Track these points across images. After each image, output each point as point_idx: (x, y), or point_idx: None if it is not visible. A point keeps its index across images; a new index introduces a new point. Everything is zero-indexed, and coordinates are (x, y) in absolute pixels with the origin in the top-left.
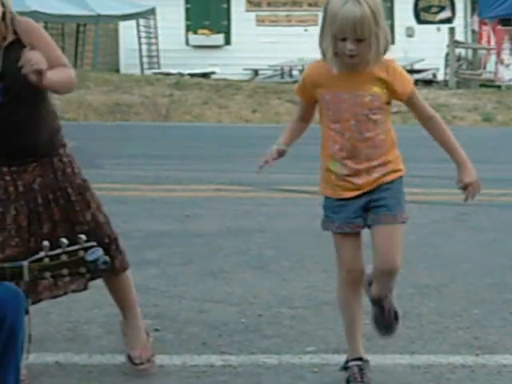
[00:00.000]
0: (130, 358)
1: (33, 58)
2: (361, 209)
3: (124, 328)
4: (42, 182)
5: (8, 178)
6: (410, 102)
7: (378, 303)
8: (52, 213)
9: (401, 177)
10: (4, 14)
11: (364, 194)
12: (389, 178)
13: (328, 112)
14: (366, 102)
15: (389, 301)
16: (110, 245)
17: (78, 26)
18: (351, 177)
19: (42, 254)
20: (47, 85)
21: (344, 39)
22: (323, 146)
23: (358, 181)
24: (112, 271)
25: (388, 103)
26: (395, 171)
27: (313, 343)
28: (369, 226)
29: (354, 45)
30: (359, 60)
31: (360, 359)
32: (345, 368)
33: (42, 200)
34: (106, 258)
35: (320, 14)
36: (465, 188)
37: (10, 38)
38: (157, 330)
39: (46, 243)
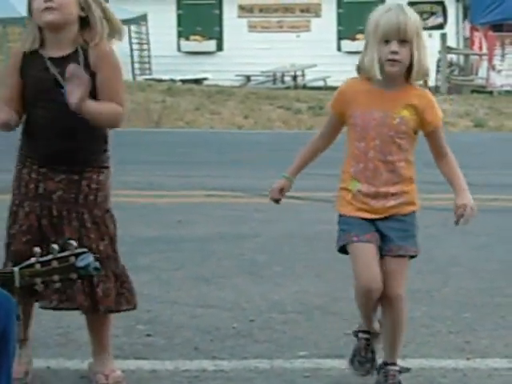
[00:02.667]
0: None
1: (81, 78)
2: (374, 228)
3: (93, 361)
4: (62, 196)
5: (34, 175)
6: (433, 136)
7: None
8: (63, 229)
9: (414, 211)
10: (87, 18)
11: (377, 220)
12: (404, 211)
13: (356, 129)
14: (393, 124)
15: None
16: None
17: None
18: (369, 198)
19: (32, 259)
20: (85, 112)
21: (387, 41)
22: (346, 166)
23: (375, 204)
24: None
25: (415, 132)
26: (410, 204)
27: (304, 348)
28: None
29: (397, 47)
30: (399, 69)
31: (368, 332)
32: (356, 335)
33: (56, 213)
34: (97, 264)
35: (312, 20)
36: (457, 210)
37: (96, 42)
38: (149, 335)
39: (37, 249)
